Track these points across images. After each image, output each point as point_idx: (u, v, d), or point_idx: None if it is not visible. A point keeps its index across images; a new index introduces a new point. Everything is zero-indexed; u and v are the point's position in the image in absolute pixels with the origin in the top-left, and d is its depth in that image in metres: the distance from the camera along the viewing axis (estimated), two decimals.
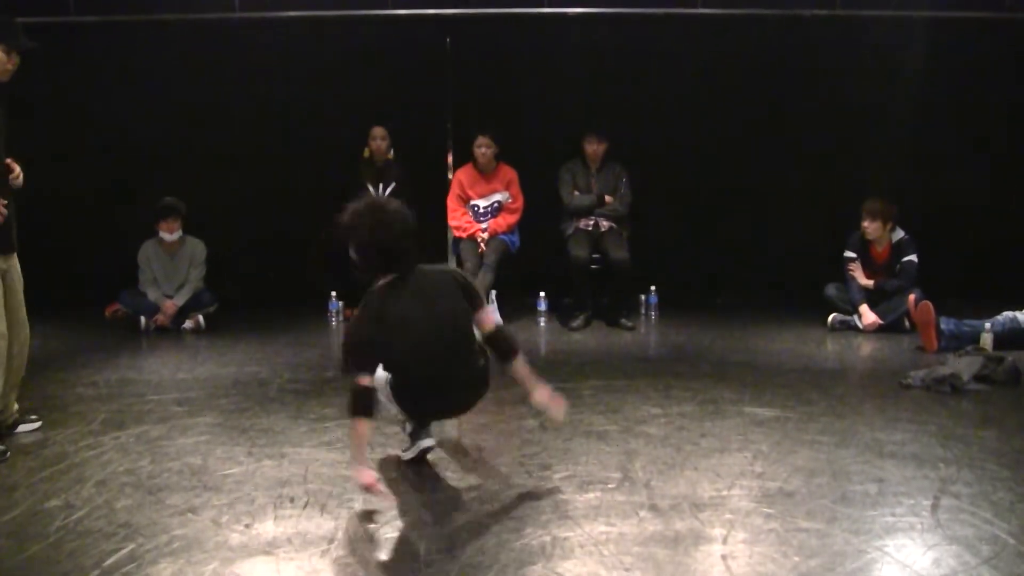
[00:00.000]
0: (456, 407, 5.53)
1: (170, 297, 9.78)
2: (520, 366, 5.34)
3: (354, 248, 5.21)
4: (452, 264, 10.47)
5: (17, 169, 5.96)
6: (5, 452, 5.64)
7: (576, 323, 9.78)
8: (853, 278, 9.73)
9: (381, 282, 5.23)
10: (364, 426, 4.87)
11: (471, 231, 10.12)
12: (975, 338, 8.48)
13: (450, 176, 10.85)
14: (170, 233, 9.86)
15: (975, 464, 5.46)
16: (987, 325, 8.57)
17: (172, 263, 9.91)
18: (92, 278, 10.63)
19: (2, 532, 4.52)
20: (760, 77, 11.09)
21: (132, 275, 9.92)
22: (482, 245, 10.02)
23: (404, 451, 5.55)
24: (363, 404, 4.87)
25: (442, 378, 5.19)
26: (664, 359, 8.78)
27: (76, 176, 10.76)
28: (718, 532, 4.48)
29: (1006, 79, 11.00)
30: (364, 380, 4.90)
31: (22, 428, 6.14)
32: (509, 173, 10.33)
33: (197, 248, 9.99)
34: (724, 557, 4.21)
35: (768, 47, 11.06)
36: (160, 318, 9.69)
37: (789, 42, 11.03)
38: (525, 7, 10.92)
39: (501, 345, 5.40)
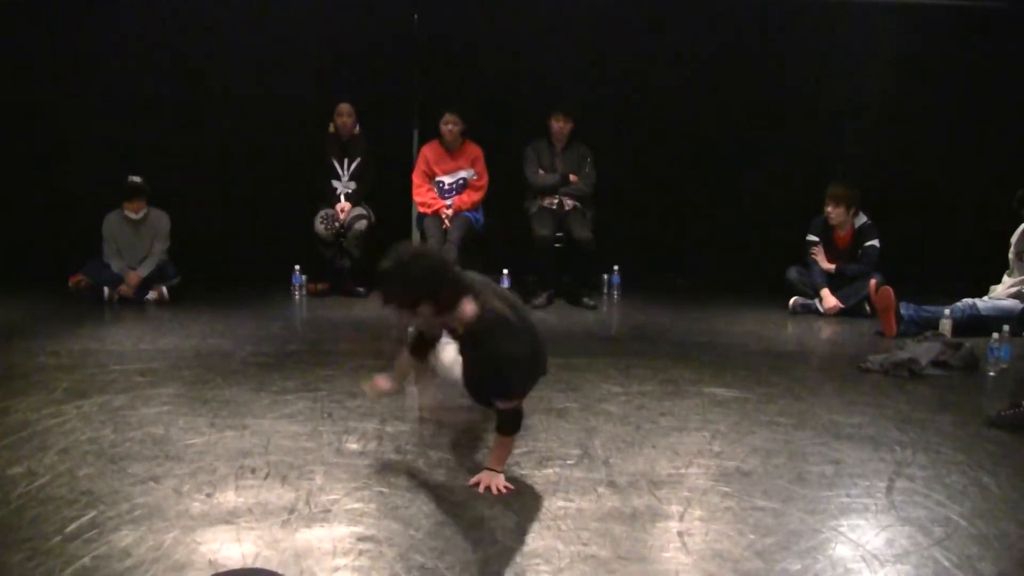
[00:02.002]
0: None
1: (134, 268, 9.74)
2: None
3: (427, 300, 4.60)
4: (416, 239, 10.49)
5: None
6: None
7: (538, 301, 9.80)
8: (815, 262, 9.80)
9: (471, 307, 4.69)
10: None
11: (436, 207, 10.13)
12: (934, 324, 8.57)
13: (415, 152, 10.85)
14: (135, 213, 9.80)
15: (930, 448, 5.53)
16: (946, 311, 8.65)
17: (136, 235, 9.86)
18: (56, 248, 10.58)
19: None
20: (729, 61, 11.13)
21: (96, 246, 9.87)
22: (446, 222, 10.03)
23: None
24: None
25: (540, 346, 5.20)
26: (625, 338, 8.84)
27: (41, 145, 10.71)
28: (675, 509, 4.52)
29: (978, 67, 11.06)
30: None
31: None
32: (475, 151, 10.35)
33: (161, 220, 9.95)
34: (680, 534, 4.25)
35: (739, 30, 11.12)
36: (124, 289, 9.65)
37: (759, 27, 11.09)
38: None
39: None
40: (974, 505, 4.64)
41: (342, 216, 10.12)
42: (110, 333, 8.53)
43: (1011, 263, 9.14)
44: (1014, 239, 9.14)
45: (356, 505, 4.49)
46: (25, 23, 10.54)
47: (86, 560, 3.86)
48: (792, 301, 9.82)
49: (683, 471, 5.06)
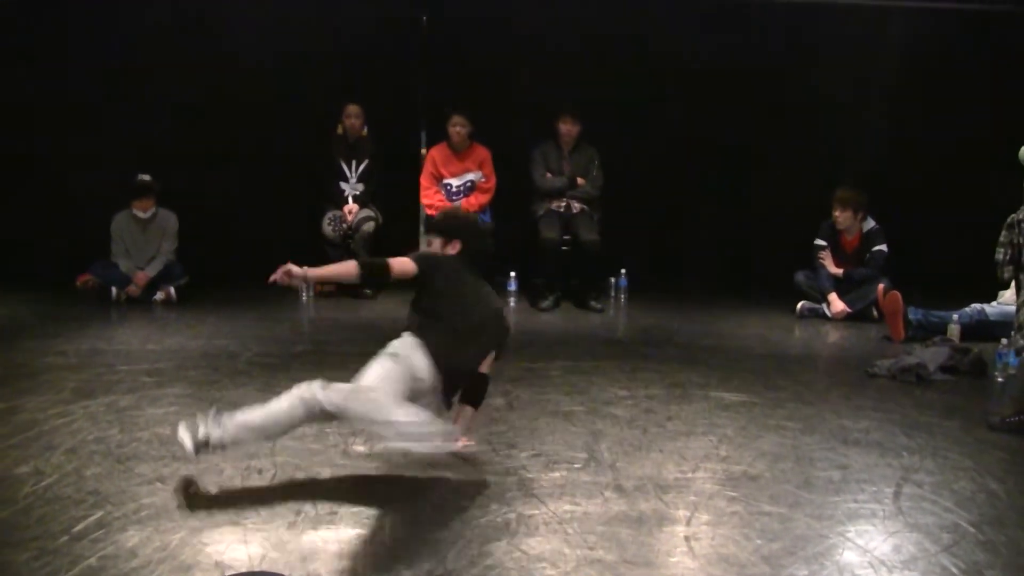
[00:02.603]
0: (465, 365, 5.34)
1: (142, 268, 9.74)
2: (468, 414, 5.34)
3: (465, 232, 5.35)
4: (424, 242, 10.49)
5: None
6: None
7: (545, 304, 9.79)
8: (823, 266, 9.78)
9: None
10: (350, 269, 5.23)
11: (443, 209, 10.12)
12: (942, 329, 8.54)
13: (423, 154, 10.85)
14: (143, 211, 9.81)
15: (938, 453, 5.52)
16: (955, 316, 8.63)
17: (144, 235, 9.86)
18: (64, 247, 10.58)
19: None
20: (736, 64, 11.10)
21: (104, 245, 9.87)
22: None
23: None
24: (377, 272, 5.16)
25: (468, 335, 5.17)
26: (632, 342, 8.83)
27: (49, 144, 10.72)
28: (682, 513, 4.52)
29: (984, 70, 11.04)
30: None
31: None
32: (482, 153, 10.35)
33: (170, 221, 9.95)
34: (687, 538, 4.25)
35: (746, 34, 11.09)
36: (131, 289, 9.64)
37: (766, 29, 11.07)
38: None
39: (477, 387, 5.36)
40: (982, 511, 4.63)
41: (349, 218, 10.12)
42: (117, 333, 8.53)
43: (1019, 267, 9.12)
44: None
45: (363, 507, 4.49)
46: (38, 23, 10.55)
47: (92, 560, 3.87)
48: (799, 305, 9.81)
49: (690, 475, 5.06)
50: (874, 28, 11.11)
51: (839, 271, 9.75)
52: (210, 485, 4.73)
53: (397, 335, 5.07)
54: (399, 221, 10.82)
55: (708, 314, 9.82)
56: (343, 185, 10.35)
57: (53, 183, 10.73)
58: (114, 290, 9.68)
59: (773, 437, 5.75)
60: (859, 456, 5.44)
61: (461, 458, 5.15)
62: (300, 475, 4.89)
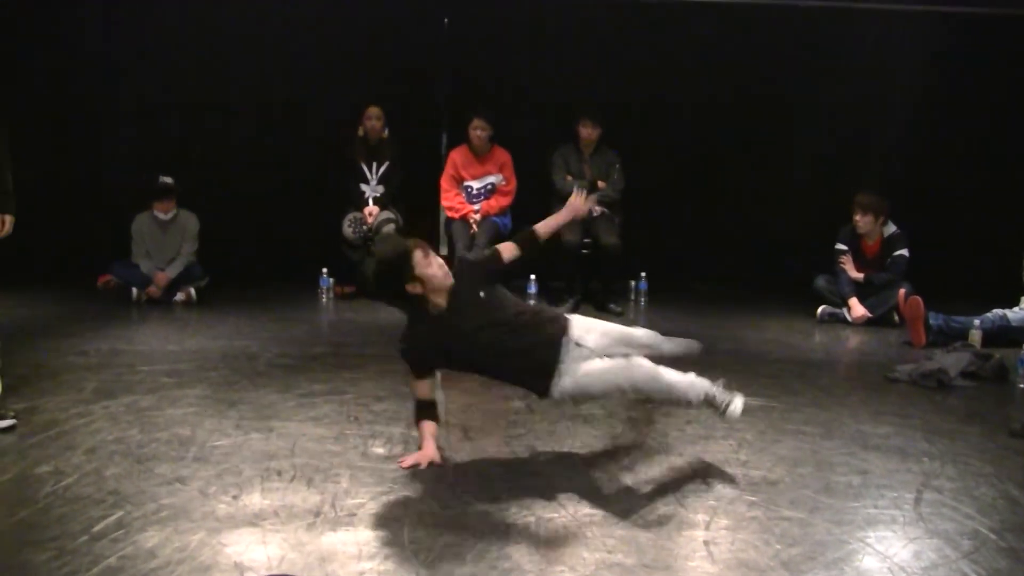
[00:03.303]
0: None
1: (162, 269, 9.76)
2: (547, 226, 5.74)
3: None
4: (444, 245, 10.53)
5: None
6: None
7: (565, 307, 9.78)
8: (843, 271, 9.75)
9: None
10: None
11: (463, 212, 10.14)
12: (963, 334, 8.50)
13: (444, 156, 10.87)
14: (164, 213, 9.86)
15: (959, 459, 5.49)
16: (976, 322, 8.59)
17: (165, 236, 9.90)
18: (85, 248, 10.63)
19: None
20: (757, 68, 11.12)
21: (125, 246, 9.90)
22: (474, 226, 10.04)
23: None
24: None
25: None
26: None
27: (71, 145, 10.76)
28: (701, 518, 4.51)
29: (1005, 76, 11.02)
30: None
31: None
32: (503, 156, 10.36)
33: (190, 222, 9.99)
34: (706, 543, 4.24)
35: (766, 38, 11.10)
36: (152, 290, 9.68)
37: (787, 33, 11.09)
38: None
39: (528, 245, 5.64)
40: (1003, 518, 4.61)
41: (370, 220, 10.12)
42: (138, 334, 8.56)
43: None
44: None
45: (381, 509, 4.50)
46: (61, 27, 10.60)
47: (112, 560, 3.87)
48: (820, 310, 9.79)
49: (709, 480, 5.05)
50: (898, 31, 11.08)
51: (860, 276, 9.72)
52: (229, 486, 4.73)
53: None
54: (419, 223, 10.83)
55: (727, 318, 9.81)
56: (363, 187, 10.37)
57: (76, 184, 10.79)
58: (135, 291, 9.72)
59: (792, 442, 5.74)
60: (879, 461, 5.42)
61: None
62: (319, 477, 4.89)
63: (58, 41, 10.64)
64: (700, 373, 6.99)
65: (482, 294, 5.31)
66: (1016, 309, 8.87)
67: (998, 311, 8.77)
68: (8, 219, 5.75)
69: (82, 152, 10.83)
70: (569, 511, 4.53)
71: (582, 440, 5.65)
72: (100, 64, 10.74)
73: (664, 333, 8.94)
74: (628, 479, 5.01)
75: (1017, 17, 10.99)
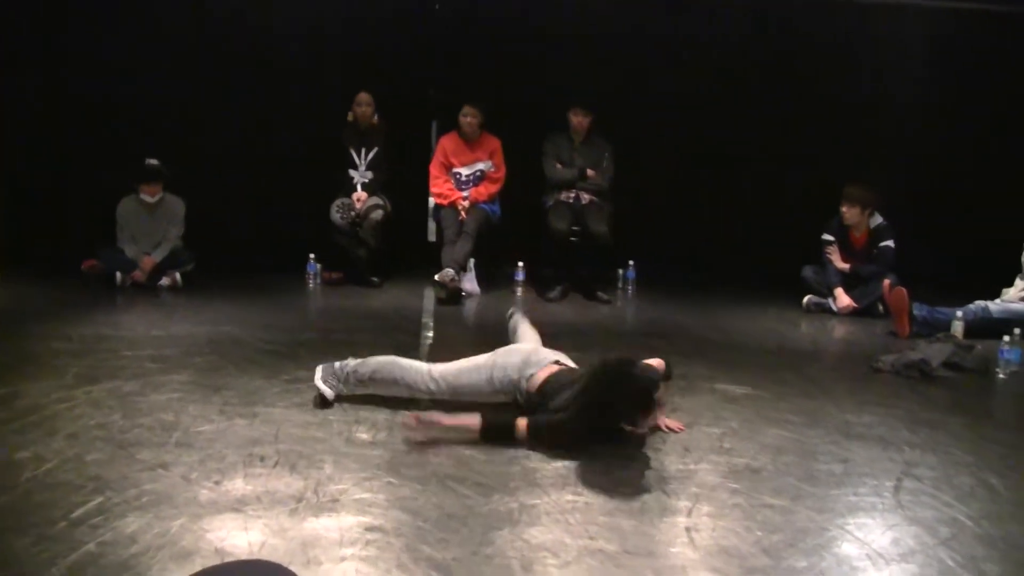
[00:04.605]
0: None
1: (148, 254, 9.74)
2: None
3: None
4: (432, 231, 10.55)
5: None
6: None
7: (553, 294, 9.80)
8: (830, 261, 9.78)
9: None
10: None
11: (452, 199, 10.13)
12: (947, 325, 8.52)
13: (433, 143, 10.87)
14: (151, 196, 9.80)
15: (940, 449, 5.52)
16: (959, 313, 8.61)
17: (151, 220, 9.85)
18: (70, 232, 10.59)
19: None
20: (748, 59, 11.13)
21: (110, 230, 9.87)
22: (463, 213, 10.03)
23: None
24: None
25: None
26: (639, 333, 8.86)
27: (57, 130, 10.73)
28: (683, 505, 4.52)
29: (995, 71, 11.02)
30: None
31: None
32: (493, 143, 10.36)
33: (176, 206, 9.95)
34: (688, 529, 4.25)
35: (759, 29, 11.10)
36: (137, 274, 9.63)
37: (778, 25, 11.08)
38: None
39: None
40: (981, 506, 4.64)
41: (358, 205, 10.10)
42: (122, 319, 8.56)
43: (1023, 266, 9.12)
44: None
45: (364, 495, 4.50)
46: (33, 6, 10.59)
47: (92, 546, 3.87)
48: (806, 300, 9.81)
49: (693, 467, 5.06)
50: (885, 24, 11.09)
51: (846, 266, 9.75)
52: (212, 472, 4.73)
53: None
54: (408, 210, 10.84)
55: (715, 307, 9.83)
56: (352, 173, 10.35)
57: (60, 168, 10.76)
58: (119, 275, 9.66)
59: (777, 430, 5.76)
60: (861, 450, 5.44)
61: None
62: (302, 462, 4.89)
63: (52, 23, 10.61)
64: (688, 362, 7.04)
65: None
66: (998, 301, 8.91)
67: (980, 303, 8.80)
68: None
69: (66, 135, 10.78)
70: (552, 497, 4.54)
71: None
72: (83, 44, 10.69)
73: (651, 322, 9.05)
74: (611, 466, 5.02)
75: (1015, 13, 11.00)
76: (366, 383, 5.94)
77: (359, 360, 6.01)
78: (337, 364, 6.02)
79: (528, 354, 5.82)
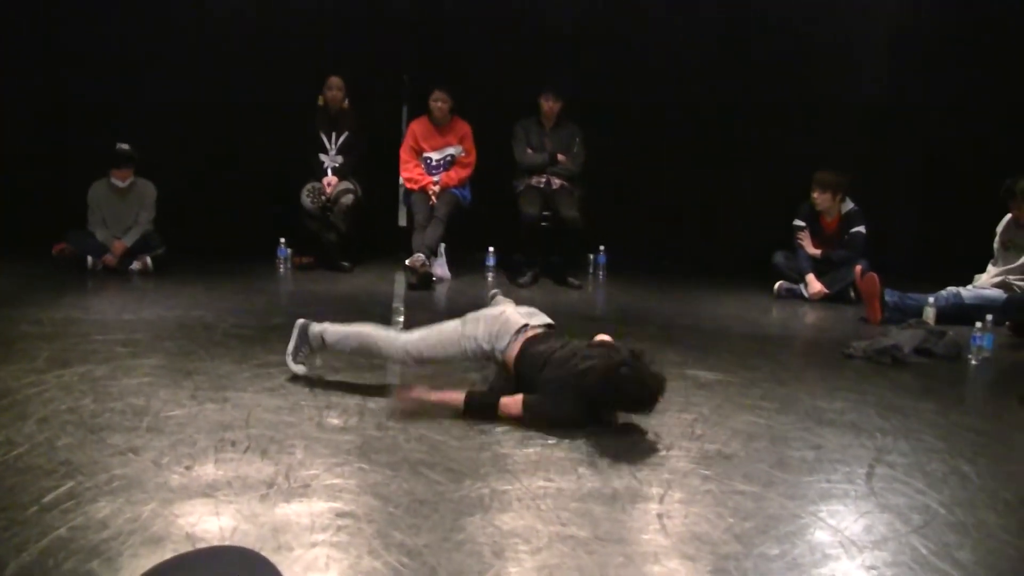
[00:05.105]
0: None
1: (118, 238, 9.69)
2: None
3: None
4: (402, 215, 10.53)
5: None
6: None
7: (524, 279, 9.80)
8: (801, 247, 9.80)
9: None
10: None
11: (423, 183, 10.12)
12: (918, 312, 8.56)
13: (404, 128, 10.84)
14: (122, 181, 9.76)
15: (912, 435, 5.53)
16: (930, 299, 8.65)
17: (122, 204, 9.82)
18: (40, 216, 10.53)
19: None
20: (719, 42, 11.12)
21: (81, 214, 9.83)
22: (433, 198, 10.02)
23: None
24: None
25: None
26: (610, 319, 8.84)
27: (26, 112, 10.68)
28: (655, 491, 4.52)
29: (974, 59, 11.01)
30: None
31: None
32: (463, 127, 10.35)
33: (147, 190, 9.91)
34: (660, 516, 4.25)
35: (732, 15, 11.08)
36: (108, 258, 9.60)
37: (752, 10, 11.06)
38: None
39: None
40: (953, 493, 4.64)
41: (328, 190, 10.08)
42: (93, 303, 8.51)
43: (996, 253, 9.14)
44: (999, 229, 9.13)
45: (336, 480, 4.48)
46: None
47: (62, 531, 3.85)
48: (777, 285, 9.83)
49: (664, 453, 5.06)
50: (861, 13, 11.08)
51: (817, 252, 9.77)
52: (183, 456, 4.71)
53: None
54: (378, 194, 10.82)
55: (686, 292, 9.86)
56: (323, 157, 10.32)
57: (31, 151, 10.71)
58: (90, 259, 9.64)
59: (748, 416, 5.76)
60: (833, 436, 5.45)
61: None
62: (273, 448, 4.87)
63: (20, 7, 10.57)
64: (659, 348, 7.04)
65: None
66: (970, 287, 8.94)
67: (952, 289, 8.83)
68: None
69: (40, 118, 10.74)
70: (523, 483, 4.53)
71: None
72: (61, 31, 10.65)
73: (622, 307, 9.04)
74: (583, 452, 5.01)
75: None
76: (336, 345, 6.05)
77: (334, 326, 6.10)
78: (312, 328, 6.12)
79: (493, 321, 5.83)
